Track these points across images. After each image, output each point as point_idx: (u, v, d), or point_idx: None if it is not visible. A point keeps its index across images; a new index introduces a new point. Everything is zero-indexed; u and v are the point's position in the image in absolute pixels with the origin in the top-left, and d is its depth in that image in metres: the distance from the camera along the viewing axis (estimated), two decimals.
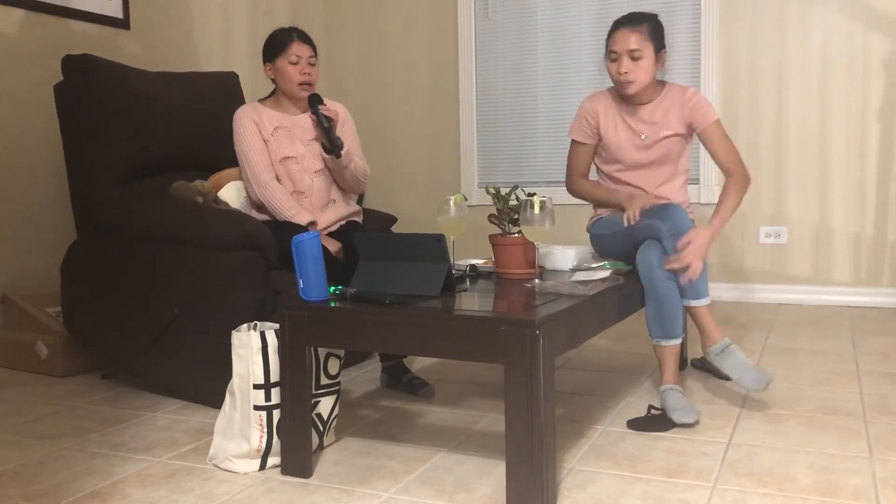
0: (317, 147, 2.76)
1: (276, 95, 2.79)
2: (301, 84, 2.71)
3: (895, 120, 3.98)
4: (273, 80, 2.76)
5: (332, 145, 2.68)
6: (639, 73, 2.45)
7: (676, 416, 2.19)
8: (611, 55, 2.47)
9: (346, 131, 2.86)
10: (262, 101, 2.80)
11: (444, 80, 4.88)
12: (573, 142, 2.68)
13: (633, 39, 2.42)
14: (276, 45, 2.72)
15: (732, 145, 2.52)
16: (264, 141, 2.70)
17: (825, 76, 4.08)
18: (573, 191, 2.72)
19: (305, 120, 2.78)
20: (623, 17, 2.48)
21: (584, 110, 2.63)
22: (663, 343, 2.33)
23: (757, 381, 2.19)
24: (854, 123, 4.05)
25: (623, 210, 2.46)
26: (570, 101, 4.57)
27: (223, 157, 3.03)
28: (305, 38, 2.74)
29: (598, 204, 2.71)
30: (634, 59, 2.43)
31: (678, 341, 2.34)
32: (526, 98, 4.71)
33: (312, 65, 2.74)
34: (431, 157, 4.96)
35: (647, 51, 2.44)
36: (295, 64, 2.69)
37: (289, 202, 2.66)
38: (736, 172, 2.47)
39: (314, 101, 2.70)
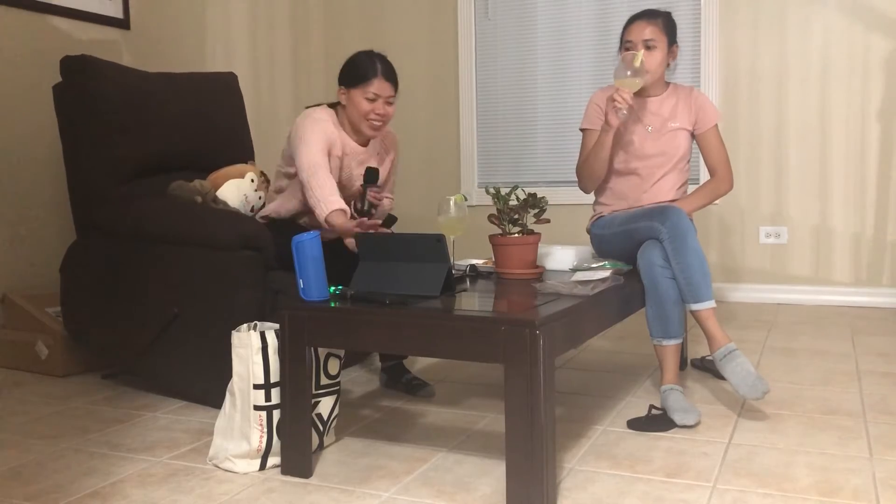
0: (360, 172, 2.65)
1: (344, 117, 2.61)
2: (370, 121, 2.55)
3: (895, 120, 3.98)
4: (343, 103, 2.60)
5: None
6: (653, 63, 2.52)
7: (677, 418, 2.19)
8: (626, 45, 2.54)
9: (389, 162, 2.77)
10: (335, 110, 2.63)
11: (444, 80, 4.88)
12: (584, 133, 2.68)
13: (648, 30, 2.50)
14: (356, 75, 2.52)
15: (725, 151, 2.65)
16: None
17: (825, 76, 4.08)
18: (578, 175, 2.65)
19: (363, 151, 2.66)
20: (639, 12, 2.58)
21: (595, 99, 2.68)
22: (664, 343, 2.33)
23: (753, 390, 2.18)
24: (854, 123, 4.05)
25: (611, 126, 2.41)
26: (570, 101, 4.57)
27: (222, 157, 3.04)
28: (390, 76, 2.54)
29: (595, 161, 2.54)
30: (649, 48, 2.51)
31: (679, 341, 2.34)
32: (526, 98, 4.71)
33: (390, 104, 2.56)
34: (431, 157, 4.95)
35: (662, 43, 2.52)
36: (372, 101, 2.51)
37: (332, 185, 2.45)
38: (721, 176, 2.62)
39: (369, 178, 2.54)
